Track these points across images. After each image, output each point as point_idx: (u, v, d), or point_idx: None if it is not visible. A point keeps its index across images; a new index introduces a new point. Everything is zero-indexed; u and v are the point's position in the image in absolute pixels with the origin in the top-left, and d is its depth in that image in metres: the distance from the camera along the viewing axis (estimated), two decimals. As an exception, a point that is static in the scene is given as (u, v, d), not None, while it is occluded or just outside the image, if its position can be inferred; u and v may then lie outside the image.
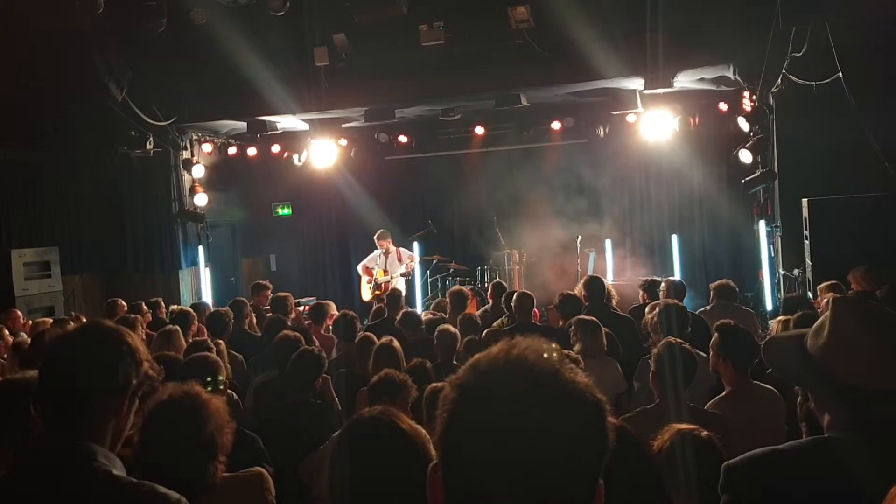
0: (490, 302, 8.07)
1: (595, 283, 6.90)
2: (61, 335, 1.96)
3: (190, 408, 2.53)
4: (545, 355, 1.05)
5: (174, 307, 8.40)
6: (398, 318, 6.93)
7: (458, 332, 5.70)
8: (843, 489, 1.63)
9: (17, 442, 2.14)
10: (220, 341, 5.42)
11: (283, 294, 8.10)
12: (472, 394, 1.04)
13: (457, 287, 8.52)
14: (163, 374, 2.05)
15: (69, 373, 1.82)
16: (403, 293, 10.12)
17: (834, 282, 6.47)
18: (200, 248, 11.90)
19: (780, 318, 5.21)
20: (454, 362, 5.34)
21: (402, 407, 3.86)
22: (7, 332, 6.76)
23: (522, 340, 1.08)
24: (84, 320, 7.07)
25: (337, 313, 7.83)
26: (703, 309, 6.98)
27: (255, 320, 7.68)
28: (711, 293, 7.13)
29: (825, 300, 5.76)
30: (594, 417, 1.04)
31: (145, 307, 7.92)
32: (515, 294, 6.92)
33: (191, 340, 5.70)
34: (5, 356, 6.18)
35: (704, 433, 2.51)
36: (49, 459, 1.77)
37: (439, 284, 12.40)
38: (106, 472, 1.75)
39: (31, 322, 7.73)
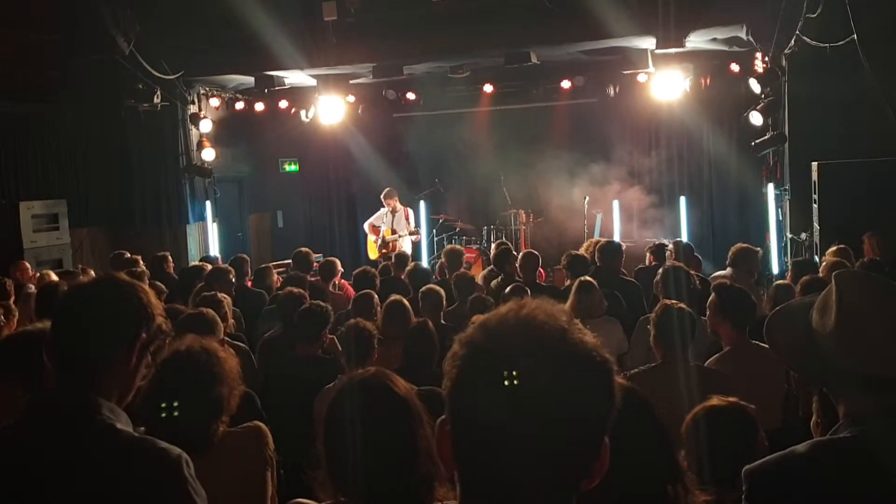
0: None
1: (609, 248, 6.86)
2: (75, 287, 1.97)
3: (206, 364, 2.51)
4: (554, 315, 1.07)
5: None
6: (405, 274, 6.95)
7: (442, 291, 5.62)
8: (872, 495, 1.56)
9: (30, 392, 2.17)
10: (226, 295, 5.37)
11: (304, 250, 7.88)
12: (481, 351, 1.06)
13: (451, 246, 8.48)
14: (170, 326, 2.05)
15: (80, 325, 1.83)
16: (410, 253, 10.16)
17: (842, 246, 6.40)
18: (208, 202, 11.89)
19: (774, 287, 5.06)
20: (441, 321, 5.32)
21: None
22: (12, 284, 6.73)
23: (532, 301, 1.10)
24: (92, 272, 7.13)
25: (342, 270, 7.86)
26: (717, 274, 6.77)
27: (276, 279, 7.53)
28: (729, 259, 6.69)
29: (827, 267, 5.71)
30: (601, 376, 1.06)
31: (142, 264, 7.64)
32: (521, 253, 6.92)
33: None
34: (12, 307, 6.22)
35: (729, 400, 2.52)
36: (53, 411, 1.78)
37: (445, 243, 12.40)
38: (109, 426, 1.75)
39: (38, 274, 7.78)
